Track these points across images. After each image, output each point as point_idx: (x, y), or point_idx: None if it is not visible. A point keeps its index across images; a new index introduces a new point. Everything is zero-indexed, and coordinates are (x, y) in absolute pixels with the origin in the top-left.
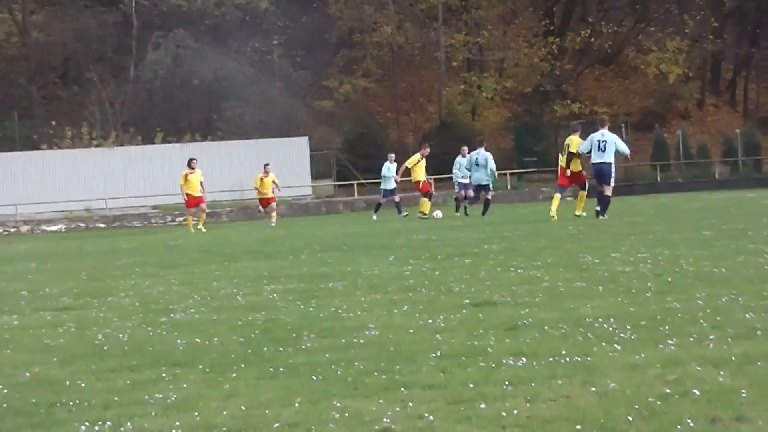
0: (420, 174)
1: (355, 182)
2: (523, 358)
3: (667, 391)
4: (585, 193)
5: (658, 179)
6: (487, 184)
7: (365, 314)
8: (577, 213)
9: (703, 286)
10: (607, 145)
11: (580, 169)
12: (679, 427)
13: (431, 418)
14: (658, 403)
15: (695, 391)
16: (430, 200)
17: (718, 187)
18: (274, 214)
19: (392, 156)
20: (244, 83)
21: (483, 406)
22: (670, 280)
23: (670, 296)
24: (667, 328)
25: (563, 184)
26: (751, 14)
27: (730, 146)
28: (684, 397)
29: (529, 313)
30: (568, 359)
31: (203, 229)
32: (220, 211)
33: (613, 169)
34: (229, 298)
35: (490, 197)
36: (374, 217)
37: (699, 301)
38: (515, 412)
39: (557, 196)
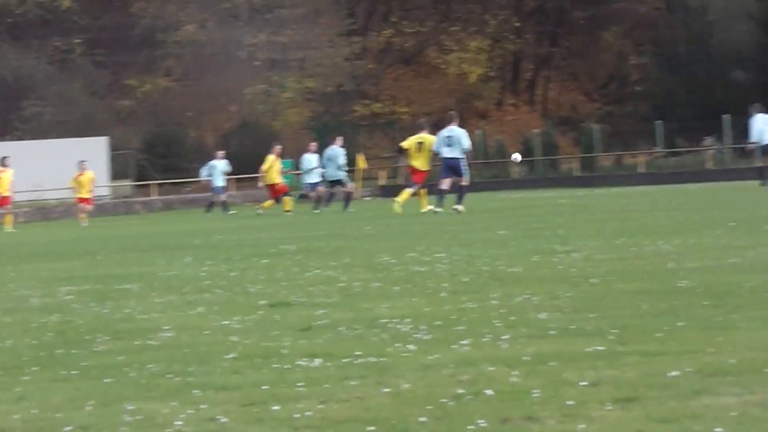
0: (275, 176)
1: (154, 182)
2: (317, 359)
3: (460, 391)
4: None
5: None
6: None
7: (160, 316)
8: (423, 210)
9: (497, 285)
10: (453, 140)
11: (427, 168)
12: (470, 427)
13: (224, 419)
14: (451, 403)
15: (488, 391)
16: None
17: (515, 187)
18: (83, 215)
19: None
20: (44, 82)
21: (276, 407)
22: (465, 279)
23: (464, 296)
24: (461, 328)
25: (417, 181)
26: (551, 14)
27: (528, 146)
28: (476, 397)
29: (325, 314)
30: (362, 360)
31: (9, 230)
32: (17, 211)
33: (463, 163)
34: (22, 300)
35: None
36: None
37: (493, 301)
38: (308, 413)
39: (423, 191)
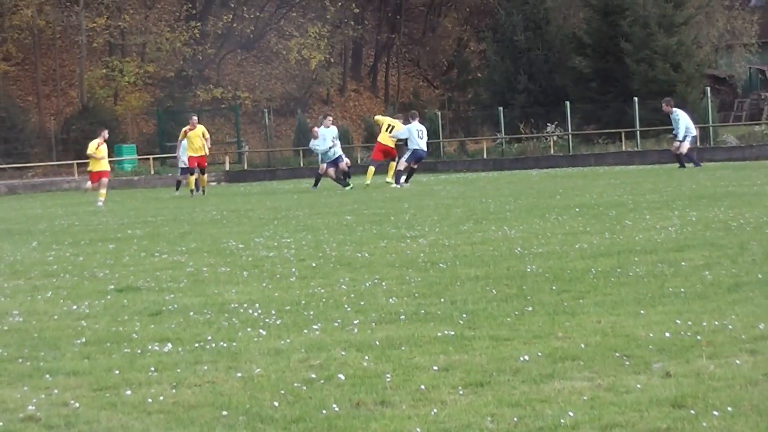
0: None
1: None
2: (169, 344)
3: (312, 375)
4: (394, 163)
5: (301, 164)
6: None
7: (8, 301)
8: (388, 180)
9: (346, 271)
10: (424, 133)
11: (393, 145)
12: (324, 411)
13: (76, 404)
14: (303, 387)
15: (340, 375)
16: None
17: (360, 172)
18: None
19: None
20: None
21: (128, 392)
22: (313, 265)
23: (314, 281)
24: (311, 313)
25: (377, 159)
26: (391, 0)
27: (372, 132)
28: (329, 382)
29: (174, 299)
30: (213, 345)
31: None
32: None
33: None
34: None
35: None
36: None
37: (343, 286)
38: (161, 398)
39: (372, 168)
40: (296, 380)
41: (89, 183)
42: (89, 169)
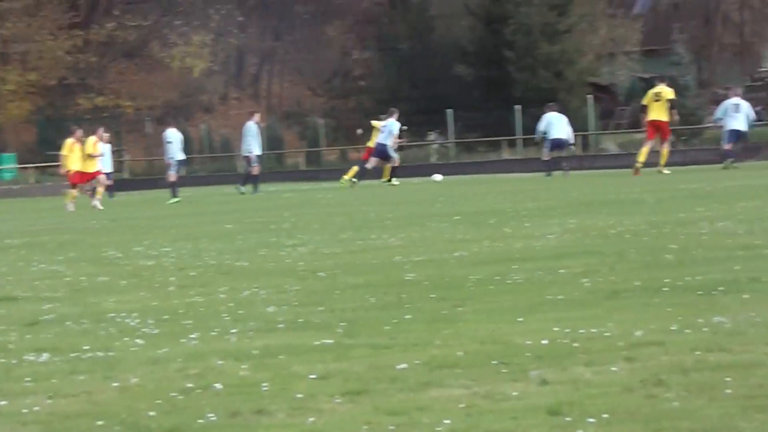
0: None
1: None
2: (45, 354)
3: (190, 385)
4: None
5: (185, 173)
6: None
7: None
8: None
9: (225, 279)
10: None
11: None
12: (200, 421)
13: None
14: (180, 397)
15: (217, 384)
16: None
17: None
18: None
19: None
20: None
21: (3, 402)
22: (192, 274)
23: (192, 290)
24: (189, 322)
25: (366, 159)
26: (274, 8)
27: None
28: (206, 391)
29: (51, 309)
30: (90, 354)
31: None
32: None
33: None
34: None
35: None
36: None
37: (221, 295)
38: (36, 408)
39: (356, 168)
40: (173, 390)
41: (71, 201)
42: (67, 170)
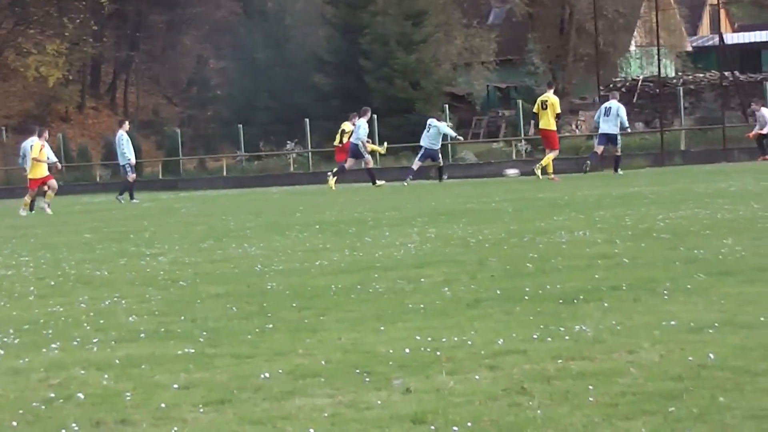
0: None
1: None
2: None
3: (52, 395)
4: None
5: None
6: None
7: None
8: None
9: (85, 289)
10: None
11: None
12: (63, 431)
13: None
14: (43, 407)
15: (79, 394)
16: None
17: (99, 190)
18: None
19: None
20: None
21: None
22: (52, 283)
23: (52, 300)
24: (50, 331)
25: (341, 160)
26: (130, 18)
27: (111, 149)
28: (68, 401)
29: None
30: None
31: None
32: None
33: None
34: None
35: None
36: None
37: (82, 305)
38: None
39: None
40: (36, 400)
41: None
42: (30, 176)
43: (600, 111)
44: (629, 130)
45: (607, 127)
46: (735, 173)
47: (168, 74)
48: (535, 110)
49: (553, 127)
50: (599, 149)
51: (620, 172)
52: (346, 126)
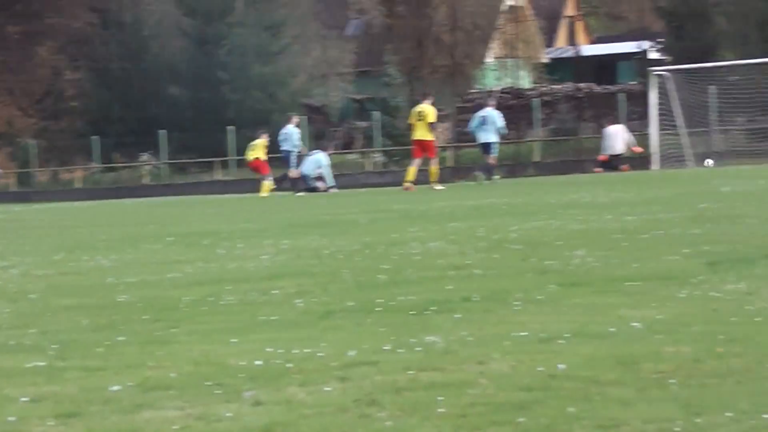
0: None
1: None
2: None
3: None
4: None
5: None
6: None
7: None
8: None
9: None
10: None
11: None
12: None
13: None
14: None
15: None
16: None
17: None
18: None
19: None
20: None
21: None
22: None
23: None
24: None
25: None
26: None
27: None
28: None
29: None
30: None
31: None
32: None
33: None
34: None
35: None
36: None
37: None
38: None
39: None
40: None
41: None
42: None
43: (475, 120)
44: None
45: (485, 136)
46: (587, 184)
47: (23, 85)
48: (410, 121)
49: (430, 137)
50: (491, 159)
51: (496, 178)
52: (259, 143)
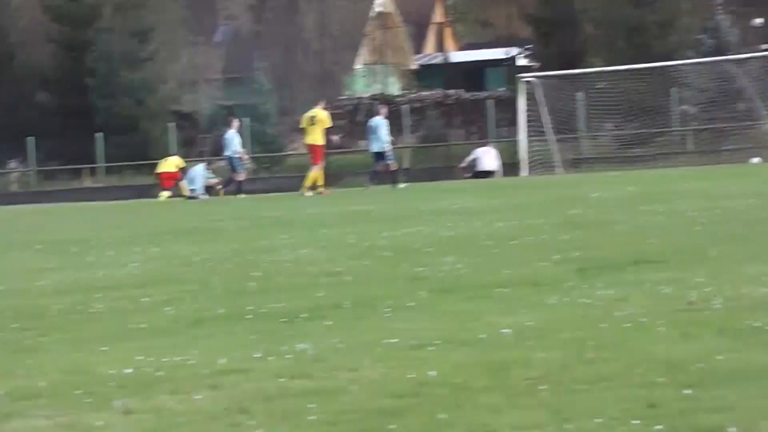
0: None
1: None
2: None
3: None
4: None
5: None
6: None
7: None
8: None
9: None
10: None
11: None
12: None
13: None
14: None
15: None
16: None
17: None
18: None
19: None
20: None
21: None
22: None
23: None
24: None
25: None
26: None
27: None
28: None
29: None
30: None
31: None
32: None
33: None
34: None
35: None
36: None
37: None
38: None
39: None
40: None
41: None
42: None
43: (368, 129)
44: (386, 145)
45: (375, 146)
46: (457, 191)
47: None
48: (303, 125)
49: (321, 143)
50: (381, 167)
51: (401, 185)
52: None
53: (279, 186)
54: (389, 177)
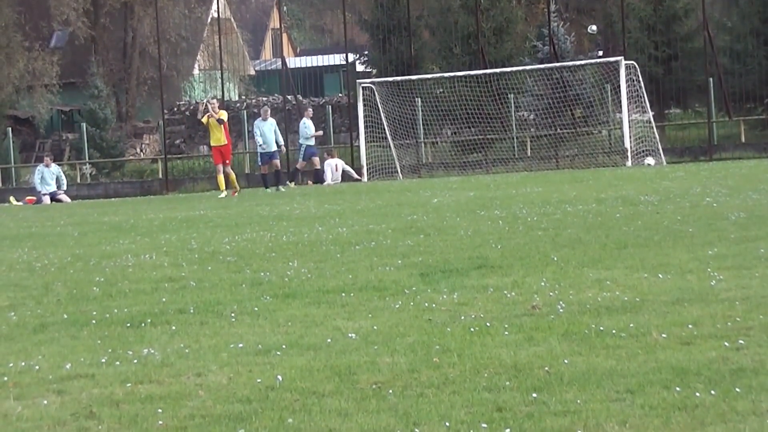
0: None
1: None
2: None
3: None
4: None
5: None
6: None
7: None
8: None
9: None
10: None
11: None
12: None
13: None
14: None
15: None
16: None
17: None
18: None
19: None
20: None
21: None
22: None
23: None
24: None
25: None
26: None
27: None
28: None
29: None
30: None
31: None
32: None
33: None
34: None
35: None
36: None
37: None
38: None
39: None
40: None
41: None
42: None
43: (255, 130)
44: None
45: (274, 146)
46: (298, 196)
47: None
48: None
49: (227, 141)
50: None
51: (291, 185)
52: None
53: (117, 191)
54: (276, 177)
